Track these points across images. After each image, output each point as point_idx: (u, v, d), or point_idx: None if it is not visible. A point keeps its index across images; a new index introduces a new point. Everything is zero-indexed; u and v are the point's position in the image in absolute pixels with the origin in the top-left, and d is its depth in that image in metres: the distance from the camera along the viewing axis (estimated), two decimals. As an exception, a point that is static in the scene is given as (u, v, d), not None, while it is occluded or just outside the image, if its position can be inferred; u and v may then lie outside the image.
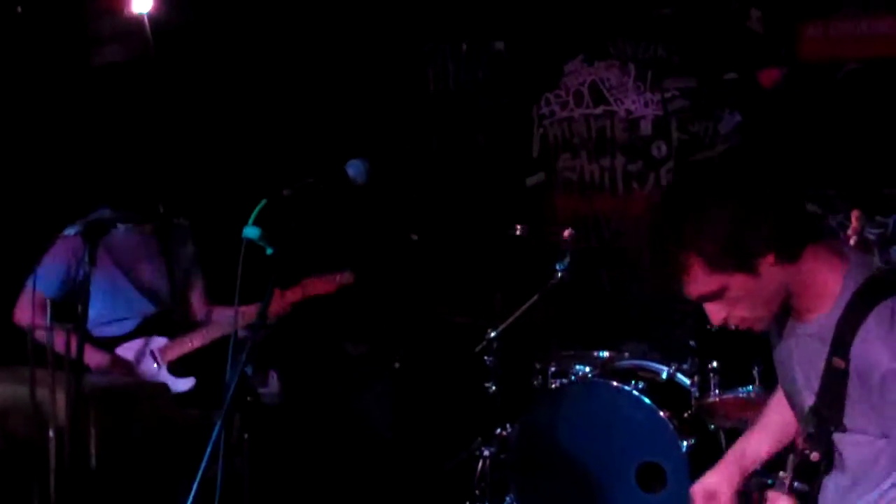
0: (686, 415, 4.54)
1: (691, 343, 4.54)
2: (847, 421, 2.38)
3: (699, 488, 2.82)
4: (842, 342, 2.31)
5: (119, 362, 4.38)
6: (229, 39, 6.45)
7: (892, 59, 5.61)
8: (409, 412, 6.06)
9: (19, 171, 5.58)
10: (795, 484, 2.45)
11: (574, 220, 6.29)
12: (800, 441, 2.50)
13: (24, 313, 4.27)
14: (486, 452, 5.07)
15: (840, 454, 2.44)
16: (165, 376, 4.42)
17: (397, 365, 6.17)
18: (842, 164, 5.70)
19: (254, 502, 4.26)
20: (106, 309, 4.41)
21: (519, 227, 5.02)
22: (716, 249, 2.27)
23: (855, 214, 4.47)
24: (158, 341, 4.46)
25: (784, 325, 2.51)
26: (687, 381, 4.63)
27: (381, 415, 6.05)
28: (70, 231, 3.94)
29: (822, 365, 2.38)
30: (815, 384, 2.42)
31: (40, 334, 3.75)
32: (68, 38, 6.00)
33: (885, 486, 2.41)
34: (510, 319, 4.98)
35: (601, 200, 6.47)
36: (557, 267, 4.93)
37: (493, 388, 5.04)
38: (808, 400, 2.46)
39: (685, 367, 4.65)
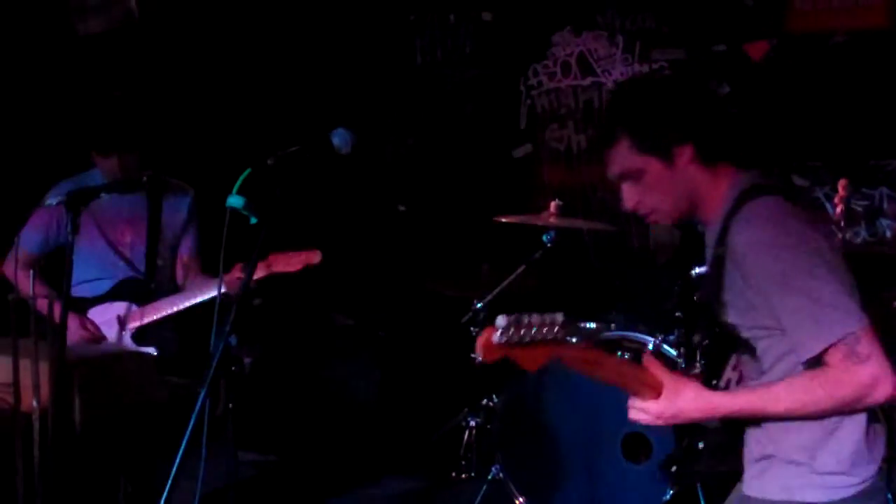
0: (672, 385, 4.55)
1: (677, 314, 4.54)
2: (732, 310, 2.53)
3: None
4: (724, 234, 2.50)
5: (88, 327, 4.38)
6: (215, 9, 6.40)
7: (880, 31, 5.60)
8: (396, 383, 6.07)
9: (4, 140, 5.56)
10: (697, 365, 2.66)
11: (561, 190, 6.29)
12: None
13: (10, 273, 4.33)
14: (473, 423, 5.09)
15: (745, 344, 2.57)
16: (129, 343, 4.40)
17: (381, 334, 6.16)
18: (829, 136, 5.70)
19: (239, 471, 4.26)
20: (82, 269, 4.35)
21: (504, 217, 5.01)
22: (642, 127, 2.51)
23: (842, 183, 4.49)
24: (126, 307, 4.45)
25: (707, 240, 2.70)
26: (673, 352, 4.63)
27: (368, 385, 6.05)
28: (52, 200, 3.91)
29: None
30: None
31: (24, 289, 3.79)
32: (53, 7, 5.96)
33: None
34: (496, 290, 4.97)
35: (588, 171, 6.46)
36: (544, 238, 4.92)
37: (480, 358, 5.04)
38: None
39: (671, 337, 4.65)
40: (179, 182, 4.67)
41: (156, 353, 4.33)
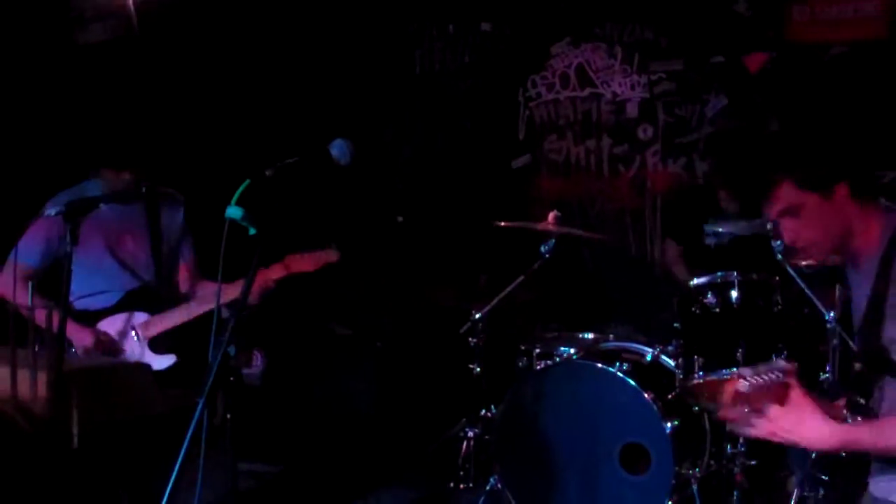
0: (670, 396, 4.55)
1: (676, 325, 4.54)
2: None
3: None
4: (886, 269, 2.76)
5: (102, 339, 4.35)
6: (214, 18, 6.41)
7: (878, 42, 5.62)
8: (394, 393, 6.06)
9: (4, 148, 5.56)
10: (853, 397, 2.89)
11: (559, 201, 6.29)
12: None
13: (6, 287, 4.19)
14: (471, 433, 5.09)
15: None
16: (146, 353, 4.39)
17: (379, 344, 6.16)
18: (827, 147, 5.70)
19: (238, 481, 4.25)
20: (87, 282, 4.36)
21: (503, 222, 5.02)
22: (804, 167, 2.81)
23: None
24: (140, 317, 4.43)
25: (851, 278, 2.98)
26: (671, 363, 4.63)
27: (366, 395, 6.04)
28: (51, 211, 3.89)
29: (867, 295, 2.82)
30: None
31: (22, 303, 3.75)
32: (52, 16, 5.96)
33: None
34: (495, 301, 4.97)
35: (587, 182, 6.47)
36: (542, 249, 4.92)
37: (478, 369, 5.05)
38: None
39: (670, 348, 4.65)
40: (172, 191, 4.67)
41: (175, 361, 4.35)
